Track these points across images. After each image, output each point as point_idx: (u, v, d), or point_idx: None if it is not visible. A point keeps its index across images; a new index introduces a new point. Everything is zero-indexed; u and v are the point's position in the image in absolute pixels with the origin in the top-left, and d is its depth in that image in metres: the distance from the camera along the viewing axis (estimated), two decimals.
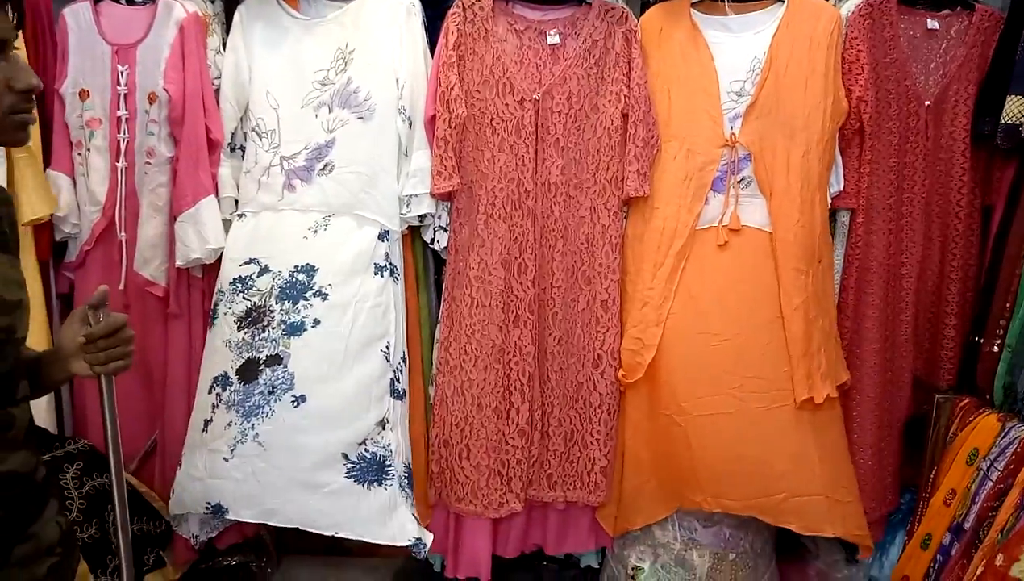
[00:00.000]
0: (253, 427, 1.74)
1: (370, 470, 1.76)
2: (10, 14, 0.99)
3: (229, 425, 1.76)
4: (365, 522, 1.73)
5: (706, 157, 1.91)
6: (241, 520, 1.78)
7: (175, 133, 1.90)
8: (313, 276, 1.83)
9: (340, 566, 2.42)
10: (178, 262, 1.90)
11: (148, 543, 1.92)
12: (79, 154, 1.94)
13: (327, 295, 1.82)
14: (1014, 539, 1.50)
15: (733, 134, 1.89)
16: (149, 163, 1.92)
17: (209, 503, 1.75)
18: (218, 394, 1.80)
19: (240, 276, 1.87)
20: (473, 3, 1.91)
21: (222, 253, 1.92)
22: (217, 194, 1.92)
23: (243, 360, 1.80)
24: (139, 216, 1.94)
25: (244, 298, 1.84)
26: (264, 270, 1.86)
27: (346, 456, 1.75)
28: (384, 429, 1.80)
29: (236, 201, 1.97)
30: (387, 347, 1.86)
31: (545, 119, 1.93)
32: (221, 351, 1.83)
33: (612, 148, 1.95)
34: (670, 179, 1.93)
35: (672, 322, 1.89)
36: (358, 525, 1.73)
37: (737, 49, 1.93)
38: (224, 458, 1.74)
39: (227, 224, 1.95)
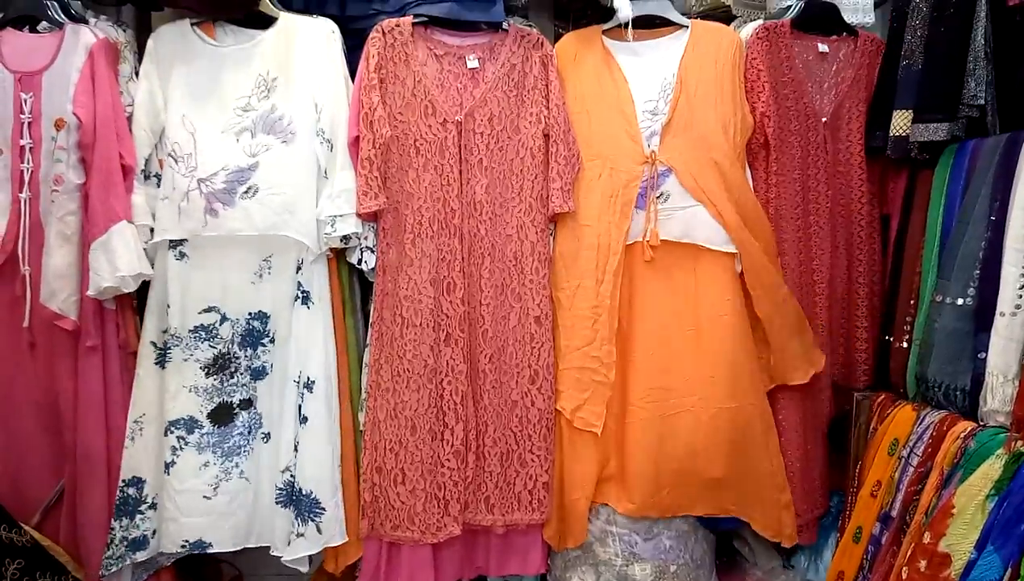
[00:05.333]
0: (237, 465, 1.91)
1: (286, 494, 1.91)
2: None
3: (206, 465, 1.88)
4: (282, 542, 1.89)
5: (629, 174, 1.97)
6: (220, 551, 1.91)
7: (86, 159, 1.83)
8: (267, 323, 1.94)
9: None
10: (89, 291, 1.80)
11: None
12: None
13: (275, 340, 1.94)
14: (938, 516, 1.55)
15: (653, 152, 1.97)
16: (56, 191, 1.83)
17: (187, 541, 1.87)
18: (180, 437, 1.88)
19: (203, 324, 1.89)
20: (393, 28, 1.94)
21: (154, 288, 1.89)
22: (132, 221, 1.85)
23: (215, 404, 1.91)
24: (44, 247, 1.84)
25: (211, 346, 1.90)
26: (224, 318, 1.91)
27: (276, 485, 1.90)
28: (295, 452, 1.90)
29: (152, 229, 1.89)
30: (298, 375, 1.91)
31: (468, 140, 1.96)
32: (183, 396, 1.89)
33: (535, 167, 1.99)
34: (596, 197, 1.98)
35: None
36: (280, 544, 1.89)
37: (647, 72, 2.03)
38: (205, 496, 1.87)
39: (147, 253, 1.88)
